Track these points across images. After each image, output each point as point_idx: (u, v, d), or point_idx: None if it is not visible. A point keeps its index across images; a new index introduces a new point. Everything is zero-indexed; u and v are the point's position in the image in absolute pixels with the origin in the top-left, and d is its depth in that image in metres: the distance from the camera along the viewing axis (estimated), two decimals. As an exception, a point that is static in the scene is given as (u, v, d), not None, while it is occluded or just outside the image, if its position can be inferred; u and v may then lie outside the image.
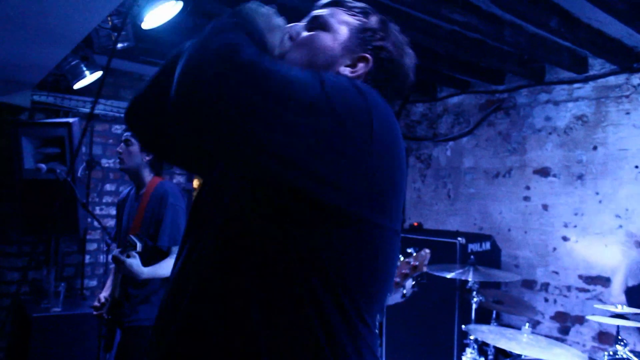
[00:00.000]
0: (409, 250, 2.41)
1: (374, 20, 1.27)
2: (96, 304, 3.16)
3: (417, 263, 2.34)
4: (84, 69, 3.89)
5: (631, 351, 2.83)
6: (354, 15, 1.26)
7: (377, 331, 1.15)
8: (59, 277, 4.67)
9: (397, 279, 2.35)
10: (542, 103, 4.78)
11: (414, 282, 2.40)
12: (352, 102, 0.99)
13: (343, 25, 1.24)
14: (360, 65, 1.21)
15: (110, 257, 3.04)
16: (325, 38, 1.23)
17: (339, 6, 1.28)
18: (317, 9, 1.30)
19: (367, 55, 1.22)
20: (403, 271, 2.34)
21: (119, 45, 3.16)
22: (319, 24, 1.25)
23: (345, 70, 1.21)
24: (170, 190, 3.12)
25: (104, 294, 3.19)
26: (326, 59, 1.21)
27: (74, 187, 3.42)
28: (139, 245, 2.87)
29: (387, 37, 1.25)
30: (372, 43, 1.23)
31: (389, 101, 1.21)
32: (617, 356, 2.81)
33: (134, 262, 2.83)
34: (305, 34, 1.26)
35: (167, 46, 4.10)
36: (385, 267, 1.11)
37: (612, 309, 2.82)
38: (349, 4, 1.28)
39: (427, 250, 2.39)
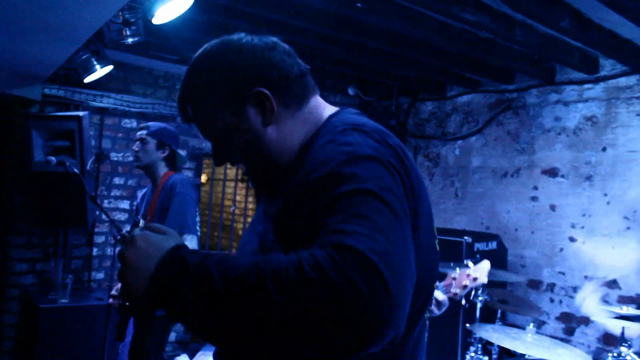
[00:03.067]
0: (467, 262, 2.37)
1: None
2: (114, 292, 3.22)
3: (477, 275, 2.30)
4: (95, 63, 3.91)
5: (636, 353, 2.82)
6: (209, 95, 1.21)
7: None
8: (67, 269, 4.71)
9: (457, 290, 2.30)
10: (551, 103, 4.76)
11: (473, 293, 2.36)
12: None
13: (217, 110, 1.21)
14: (262, 104, 1.18)
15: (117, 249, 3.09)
16: (235, 137, 1.21)
17: (196, 101, 1.24)
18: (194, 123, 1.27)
19: (256, 90, 1.18)
20: (463, 283, 2.30)
21: (130, 39, 3.18)
22: (213, 134, 1.24)
23: (258, 119, 1.18)
24: (179, 180, 3.21)
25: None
26: (249, 139, 1.20)
27: (83, 180, 3.44)
28: (141, 222, 2.93)
29: (243, 65, 1.19)
30: (246, 82, 1.18)
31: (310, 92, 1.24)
32: (621, 357, 2.81)
33: None
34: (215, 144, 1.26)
35: (178, 41, 4.12)
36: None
37: (617, 310, 2.81)
38: (194, 90, 1.23)
39: (487, 262, 2.34)
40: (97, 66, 3.94)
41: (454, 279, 2.32)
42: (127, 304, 3.07)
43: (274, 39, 1.24)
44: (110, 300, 3.22)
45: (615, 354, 2.86)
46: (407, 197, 1.02)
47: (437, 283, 2.35)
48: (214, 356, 1.25)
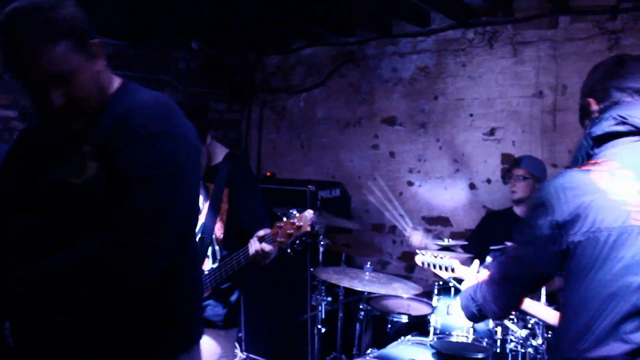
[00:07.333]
0: (292, 211, 2.37)
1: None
2: None
3: (301, 223, 2.32)
4: None
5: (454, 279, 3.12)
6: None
7: None
8: None
9: (282, 239, 2.33)
10: (389, 55, 4.98)
11: (297, 242, 2.37)
12: None
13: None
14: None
15: None
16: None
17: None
18: None
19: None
20: (288, 231, 2.32)
21: None
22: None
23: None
24: None
25: None
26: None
27: None
28: None
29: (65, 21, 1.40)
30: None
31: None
32: (444, 285, 3.12)
33: None
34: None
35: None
36: None
37: (440, 243, 3.08)
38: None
39: (311, 211, 2.36)
40: None
41: (280, 227, 2.35)
42: None
43: None
44: None
45: (441, 282, 3.16)
46: None
47: (264, 232, 2.40)
48: None
